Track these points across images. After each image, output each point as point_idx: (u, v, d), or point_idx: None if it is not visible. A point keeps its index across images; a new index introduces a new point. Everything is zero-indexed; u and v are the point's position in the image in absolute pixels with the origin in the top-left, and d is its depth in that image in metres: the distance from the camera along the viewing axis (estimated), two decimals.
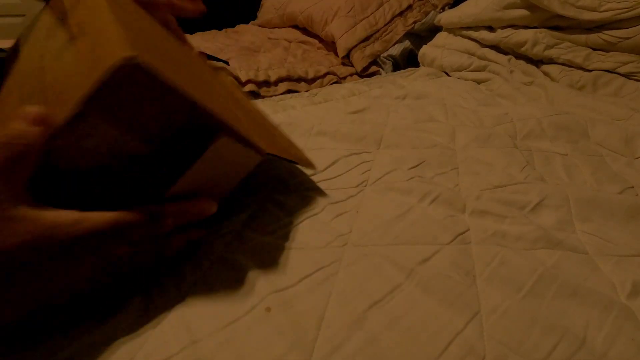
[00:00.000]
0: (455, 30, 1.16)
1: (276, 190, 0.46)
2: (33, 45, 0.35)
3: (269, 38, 1.65)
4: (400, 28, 1.42)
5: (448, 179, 0.53)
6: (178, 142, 0.28)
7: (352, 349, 0.28)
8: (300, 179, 0.49)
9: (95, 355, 0.27)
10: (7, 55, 0.38)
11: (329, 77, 1.30)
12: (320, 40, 1.56)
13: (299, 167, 0.50)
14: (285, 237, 0.39)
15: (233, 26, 1.95)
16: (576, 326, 0.31)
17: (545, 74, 0.96)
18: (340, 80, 1.32)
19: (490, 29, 1.05)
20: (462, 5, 1.14)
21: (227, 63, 1.20)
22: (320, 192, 0.47)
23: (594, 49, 0.88)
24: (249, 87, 1.15)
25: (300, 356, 0.28)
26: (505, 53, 1.04)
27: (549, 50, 0.93)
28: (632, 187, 0.52)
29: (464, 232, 0.41)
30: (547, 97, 0.85)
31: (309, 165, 0.48)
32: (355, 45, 1.37)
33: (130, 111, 0.25)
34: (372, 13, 1.42)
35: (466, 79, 1.03)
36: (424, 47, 1.22)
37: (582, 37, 0.88)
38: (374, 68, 1.38)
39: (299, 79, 1.25)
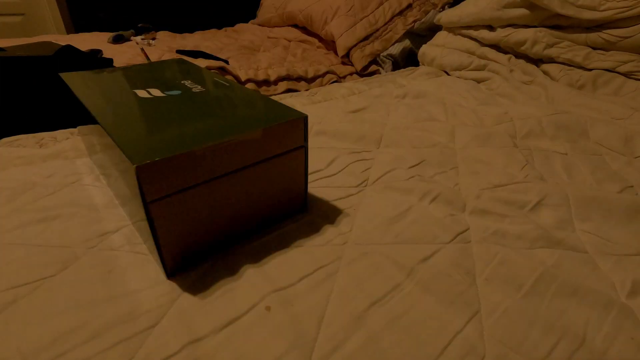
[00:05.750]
0: (455, 29, 1.16)
1: None
2: None
3: (269, 37, 1.65)
4: (400, 27, 1.42)
5: (448, 178, 0.53)
6: None
7: (352, 348, 0.28)
8: None
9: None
10: None
11: (328, 76, 1.30)
12: (320, 39, 1.56)
13: None
14: (285, 235, 0.39)
15: (233, 25, 1.95)
16: (576, 325, 0.31)
17: (545, 73, 0.96)
18: (339, 79, 1.32)
19: (490, 28, 1.05)
20: (462, 5, 1.14)
21: (226, 62, 1.20)
22: (320, 191, 0.47)
23: (594, 48, 0.88)
24: (249, 87, 1.15)
25: (301, 355, 0.28)
26: (505, 52, 1.04)
27: (548, 49, 0.92)
28: (632, 186, 0.52)
29: (464, 231, 0.41)
30: (547, 96, 0.85)
31: None
32: (355, 45, 1.36)
33: None
34: (372, 12, 1.42)
35: (466, 78, 1.03)
36: (423, 46, 1.22)
37: (582, 36, 0.88)
38: (373, 67, 1.38)
39: (299, 78, 1.25)
